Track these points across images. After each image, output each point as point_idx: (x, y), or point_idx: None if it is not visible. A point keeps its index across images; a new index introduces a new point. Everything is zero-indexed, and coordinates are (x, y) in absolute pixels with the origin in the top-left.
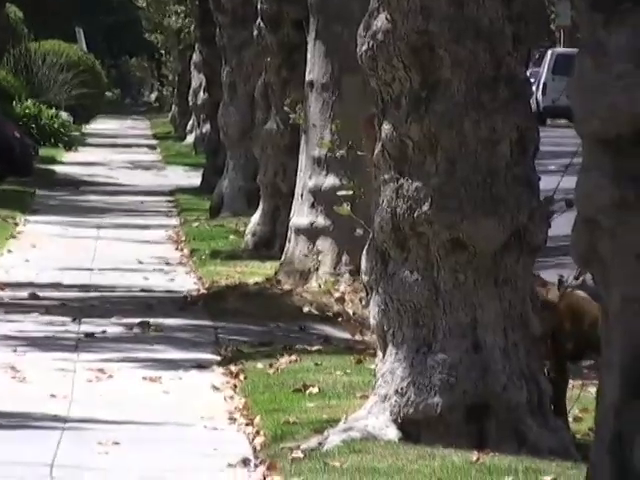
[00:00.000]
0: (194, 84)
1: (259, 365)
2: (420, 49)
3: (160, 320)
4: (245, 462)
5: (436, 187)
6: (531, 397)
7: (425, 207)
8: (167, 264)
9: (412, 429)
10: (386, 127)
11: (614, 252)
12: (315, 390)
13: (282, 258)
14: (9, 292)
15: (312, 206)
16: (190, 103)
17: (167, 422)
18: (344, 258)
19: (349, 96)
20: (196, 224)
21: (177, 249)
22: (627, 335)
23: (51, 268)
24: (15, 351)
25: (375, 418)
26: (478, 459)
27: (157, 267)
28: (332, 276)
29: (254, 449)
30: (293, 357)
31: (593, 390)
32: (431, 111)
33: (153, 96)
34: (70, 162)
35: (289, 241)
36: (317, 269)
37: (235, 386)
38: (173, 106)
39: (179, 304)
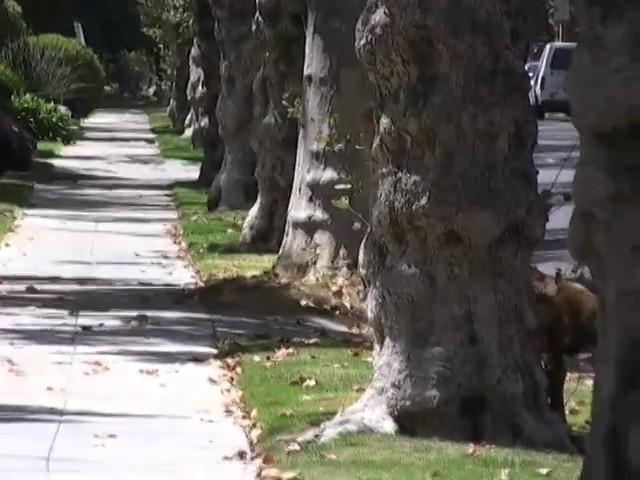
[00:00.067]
0: (192, 78)
1: (256, 358)
2: (418, 43)
3: (157, 313)
4: (241, 455)
5: (434, 181)
6: (526, 390)
7: (423, 201)
8: (165, 257)
9: (408, 422)
10: (384, 121)
11: (610, 245)
12: (312, 383)
13: (280, 252)
14: (7, 285)
15: (310, 200)
16: (188, 97)
17: (163, 415)
18: (342, 252)
19: (347, 90)
20: (194, 218)
21: (175, 242)
22: (623, 328)
23: (49, 261)
24: (12, 344)
25: (371, 411)
26: (474, 452)
27: (155, 260)
28: (330, 270)
29: (250, 442)
30: (290, 350)
31: (590, 383)
32: (429, 105)
33: (151, 90)
34: (68, 156)
35: (287, 235)
36: (315, 263)
37: (232, 379)
38: (171, 100)
39: (176, 297)
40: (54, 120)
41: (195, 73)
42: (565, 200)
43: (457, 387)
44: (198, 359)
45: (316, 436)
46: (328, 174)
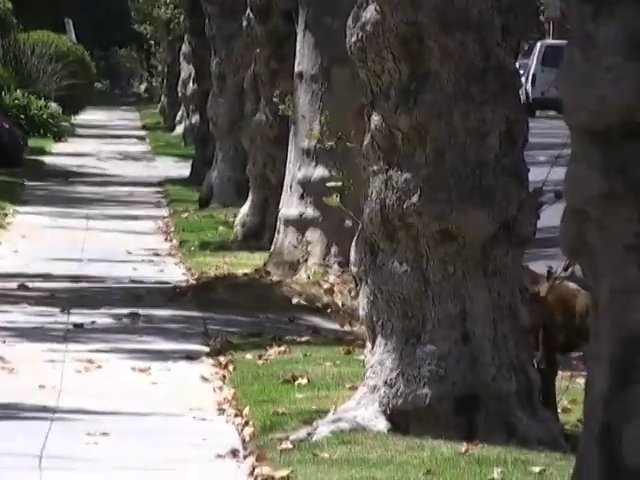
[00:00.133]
0: (183, 75)
1: (248, 356)
2: (409, 40)
3: (149, 311)
4: (234, 453)
5: (425, 178)
6: (520, 388)
7: (414, 198)
8: (156, 255)
9: (401, 420)
10: (375, 118)
11: (602, 243)
12: (304, 381)
13: (271, 249)
14: None
15: (301, 197)
16: (179, 94)
17: (156, 413)
18: (333, 249)
19: (338, 87)
20: (185, 215)
21: (166, 240)
22: (615, 326)
23: (40, 259)
24: (4, 342)
25: (364, 409)
26: (467, 450)
27: (146, 258)
28: (321, 267)
29: (243, 440)
30: (282, 348)
31: (582, 381)
32: (420, 102)
33: (142, 87)
34: (59, 153)
35: (278, 232)
36: (306, 260)
37: (224, 377)
38: (162, 97)
39: (168, 295)
40: (45, 117)
41: (186, 70)
42: (556, 198)
43: (451, 385)
44: (190, 357)
45: (309, 434)
46: (319, 171)
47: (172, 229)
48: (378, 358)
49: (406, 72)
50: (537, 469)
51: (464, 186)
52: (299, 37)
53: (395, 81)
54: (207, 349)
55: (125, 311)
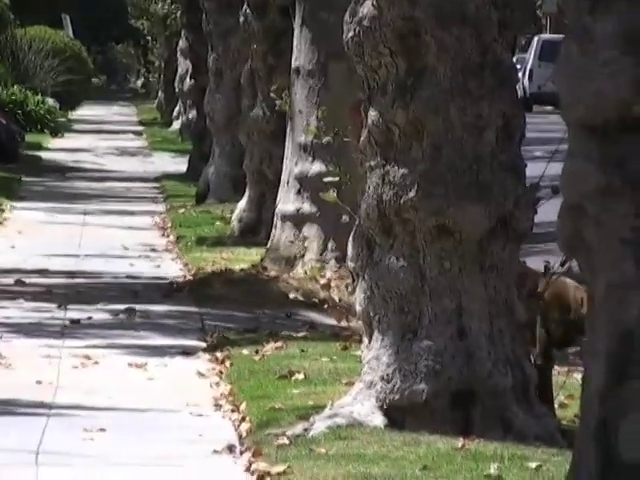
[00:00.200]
0: (180, 70)
1: (245, 352)
2: (406, 35)
3: (146, 307)
4: (230, 448)
5: (422, 173)
6: (516, 383)
7: (411, 193)
8: (153, 250)
9: (397, 415)
10: (372, 113)
11: (599, 239)
12: (301, 377)
13: (268, 245)
14: None
15: (298, 193)
16: (176, 89)
17: (152, 408)
18: (330, 245)
19: (335, 83)
20: (182, 210)
21: (163, 235)
22: (612, 322)
23: (37, 254)
24: (1, 337)
25: (361, 405)
26: (463, 445)
27: (143, 253)
28: (318, 263)
29: (239, 435)
30: (279, 344)
31: (578, 376)
32: (417, 97)
33: (139, 82)
34: (56, 148)
35: (275, 228)
36: (303, 256)
37: (221, 372)
38: (159, 92)
39: (165, 291)
40: (42, 112)
41: (183, 65)
42: (553, 193)
43: (447, 380)
44: (187, 352)
45: (305, 430)
46: (316, 167)
47: (169, 225)
48: (374, 353)
49: (403, 67)
50: (534, 465)
51: (461, 181)
52: (296, 32)
53: (392, 76)
54: (204, 345)
55: (122, 307)
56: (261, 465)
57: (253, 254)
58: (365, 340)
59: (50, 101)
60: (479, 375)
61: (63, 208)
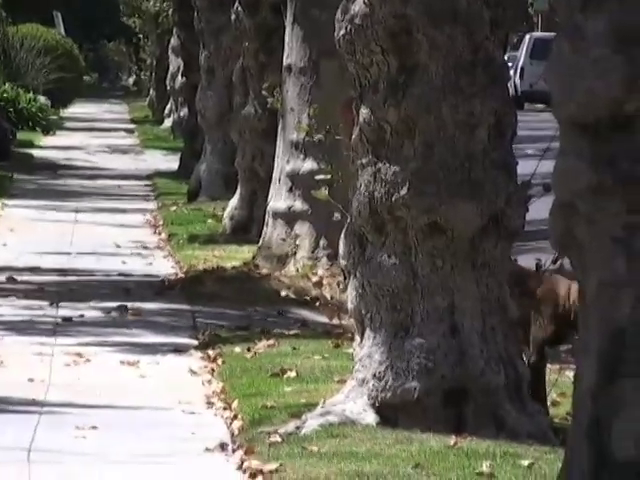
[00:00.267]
0: (172, 68)
1: (237, 349)
2: (398, 33)
3: (138, 304)
4: (223, 446)
5: (414, 171)
6: (509, 381)
7: (403, 191)
8: (145, 248)
9: (390, 413)
10: (364, 111)
11: (591, 237)
12: (293, 374)
13: (260, 242)
14: None
15: (290, 190)
16: (168, 87)
17: (144, 406)
18: (322, 242)
19: (327, 80)
20: (174, 208)
21: (155, 233)
22: (603, 320)
23: (29, 252)
24: None
25: (353, 402)
26: (456, 443)
27: (135, 251)
28: (310, 260)
29: (232, 433)
30: (271, 341)
31: (570, 374)
32: (409, 95)
33: (131, 80)
34: (48, 146)
35: (267, 225)
36: (295, 253)
37: (213, 370)
38: (151, 90)
39: (157, 288)
40: (34, 110)
41: (175, 63)
42: (545, 191)
43: (440, 378)
44: (179, 350)
45: (297, 428)
46: (308, 164)
47: (161, 222)
48: (367, 351)
49: (395, 65)
50: (526, 462)
51: (453, 179)
52: (288, 30)
53: (384, 74)
54: (196, 342)
55: (114, 304)
56: (253, 463)
57: (245, 252)
58: (357, 338)
59: (42, 99)
60: (471, 373)
61: (55, 206)
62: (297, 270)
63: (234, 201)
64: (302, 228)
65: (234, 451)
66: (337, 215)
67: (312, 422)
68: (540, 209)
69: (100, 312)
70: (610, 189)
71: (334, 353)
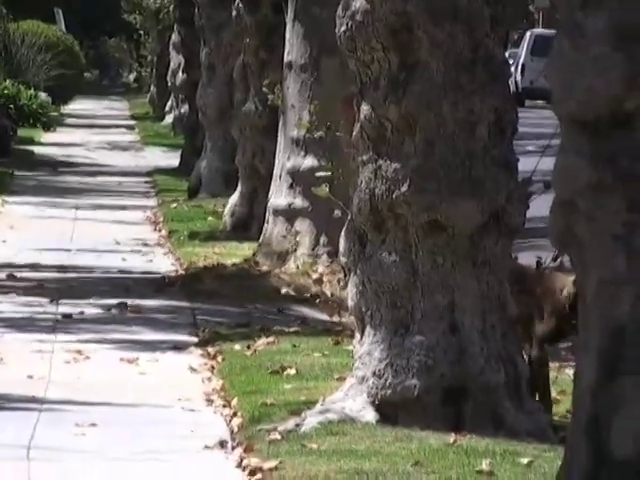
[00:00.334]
0: (173, 65)
1: (236, 347)
2: (398, 30)
3: (138, 301)
4: (222, 444)
5: (414, 168)
6: (508, 379)
7: (403, 188)
8: (145, 245)
9: (389, 411)
10: (364, 108)
11: (591, 234)
12: (292, 372)
13: (260, 239)
14: None
15: (290, 187)
16: (168, 84)
17: (144, 404)
18: (322, 239)
19: (327, 77)
20: (174, 205)
21: (155, 230)
22: (603, 317)
23: (29, 249)
24: None
25: (352, 400)
26: (455, 441)
27: (135, 248)
28: (310, 257)
29: (231, 431)
30: (270, 339)
31: (570, 372)
32: (409, 92)
33: (132, 77)
34: (48, 143)
35: (267, 222)
36: (295, 250)
37: (212, 368)
38: (151, 87)
39: (157, 285)
40: (34, 107)
41: (175, 60)
42: (545, 188)
43: (439, 376)
44: (179, 347)
45: (297, 425)
46: (308, 161)
47: (161, 219)
48: (366, 349)
49: (395, 62)
50: (525, 460)
51: (453, 176)
52: (288, 27)
53: (384, 71)
54: (195, 340)
55: (114, 301)
56: (253, 461)
57: (245, 249)
58: (357, 335)
59: (42, 95)
60: (471, 371)
61: (55, 202)
62: (297, 267)
63: (234, 198)
64: (302, 225)
65: (233, 448)
66: (337, 212)
67: (312, 420)
68: (541, 206)
69: (100, 309)
70: (610, 186)
71: (334, 350)
